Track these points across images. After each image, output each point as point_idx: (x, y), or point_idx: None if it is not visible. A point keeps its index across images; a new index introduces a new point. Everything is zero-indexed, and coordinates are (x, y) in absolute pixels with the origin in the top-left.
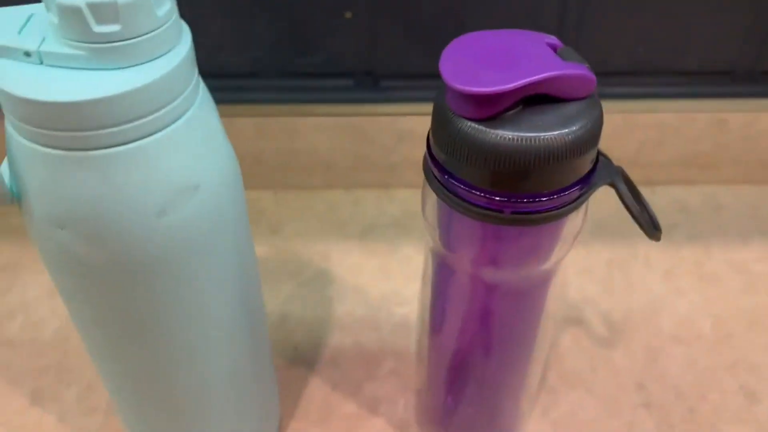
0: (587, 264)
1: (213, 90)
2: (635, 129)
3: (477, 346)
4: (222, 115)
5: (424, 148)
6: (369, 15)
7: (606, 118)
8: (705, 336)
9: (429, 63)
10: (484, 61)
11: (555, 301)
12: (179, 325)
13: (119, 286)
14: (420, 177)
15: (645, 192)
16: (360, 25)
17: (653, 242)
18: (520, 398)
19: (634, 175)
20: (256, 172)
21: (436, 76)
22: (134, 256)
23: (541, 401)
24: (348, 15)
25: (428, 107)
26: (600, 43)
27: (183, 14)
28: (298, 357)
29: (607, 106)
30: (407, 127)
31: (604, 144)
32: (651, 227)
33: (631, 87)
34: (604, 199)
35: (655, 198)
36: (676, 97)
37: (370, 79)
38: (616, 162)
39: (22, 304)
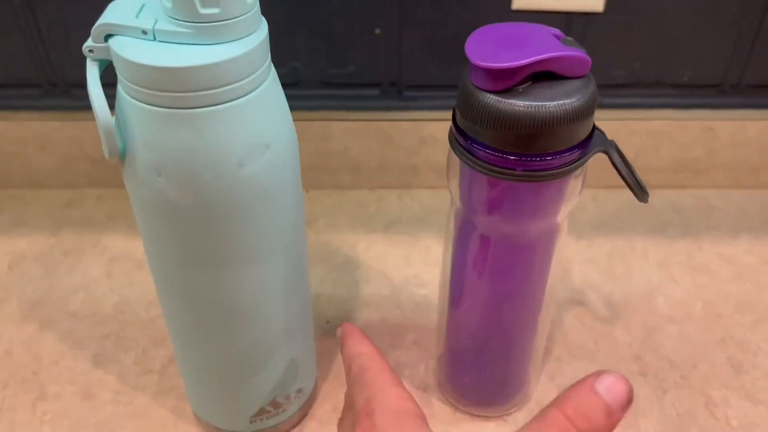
0: (590, 255)
1: None
2: (632, 135)
3: (491, 311)
4: None
5: (443, 150)
6: (396, 32)
7: (606, 125)
8: (696, 316)
9: (448, 75)
10: (501, 44)
11: (556, 270)
12: (250, 265)
13: (200, 226)
14: (440, 178)
15: None
16: (387, 41)
17: (649, 237)
18: (528, 364)
19: None
20: None
21: (454, 87)
22: (217, 200)
23: (547, 369)
24: (377, 32)
25: (448, 114)
26: (600, 59)
27: None
28: (331, 329)
29: (607, 114)
30: (428, 132)
31: None
32: (640, 189)
33: (628, 98)
34: (605, 200)
35: (652, 199)
36: (669, 107)
37: (395, 89)
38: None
39: (84, 283)
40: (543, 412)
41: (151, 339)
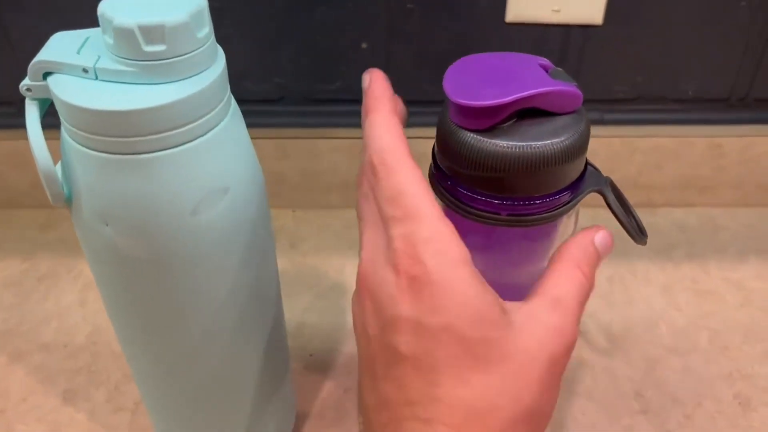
0: None
1: None
2: (635, 152)
3: None
4: None
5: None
6: (384, 46)
7: (607, 141)
8: (701, 347)
9: (439, 90)
10: (483, 79)
11: None
12: (207, 315)
13: (153, 277)
14: None
15: (645, 213)
16: (375, 55)
17: (652, 260)
18: None
19: (634, 197)
20: (278, 191)
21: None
22: (170, 250)
23: None
24: (364, 46)
25: None
26: (601, 72)
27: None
28: (314, 363)
29: (608, 130)
30: (419, 150)
31: (606, 166)
32: (638, 232)
33: (630, 113)
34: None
35: (656, 219)
36: (673, 123)
37: None
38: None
39: (57, 312)
40: (564, 268)
41: (123, 373)
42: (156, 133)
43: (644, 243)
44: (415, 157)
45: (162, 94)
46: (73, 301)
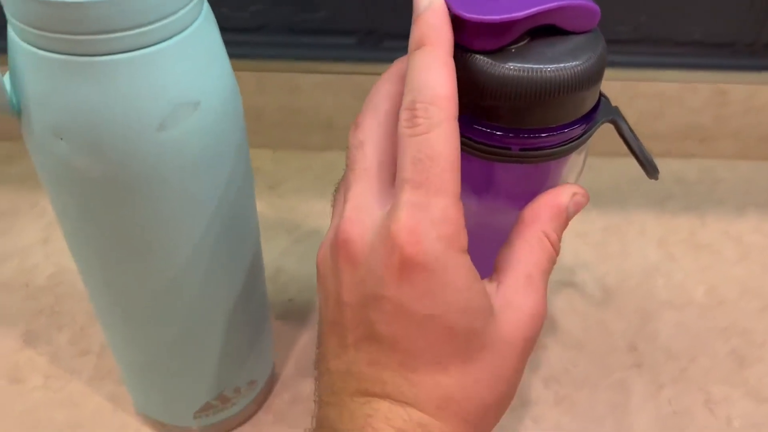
0: (582, 230)
1: None
2: (636, 98)
3: None
4: None
5: None
6: None
7: (606, 86)
8: (697, 301)
9: None
10: None
11: None
12: (174, 246)
13: (115, 202)
14: None
15: None
16: None
17: (648, 211)
18: None
19: None
20: (256, 129)
21: None
22: (132, 170)
23: (531, 358)
24: None
25: None
26: (602, 11)
27: None
28: (293, 309)
29: (608, 74)
30: None
31: None
32: (652, 165)
33: (632, 56)
34: (600, 168)
35: None
36: (677, 68)
37: (372, 39)
38: None
39: (17, 249)
40: (532, 236)
41: (89, 315)
42: (114, 31)
43: (656, 177)
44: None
45: None
46: (36, 239)
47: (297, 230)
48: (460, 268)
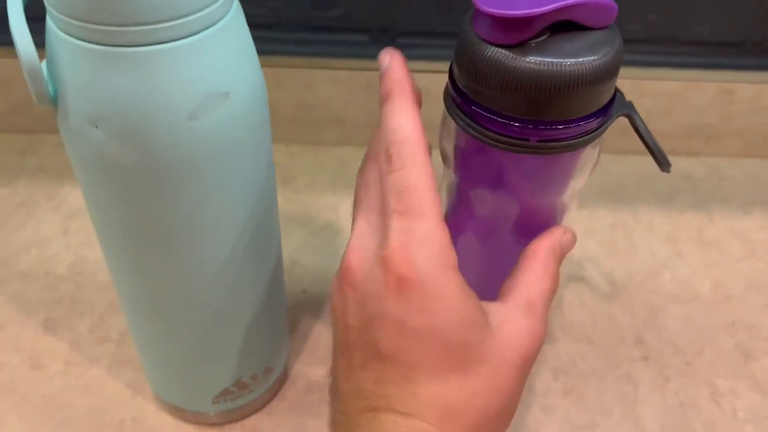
0: (591, 226)
1: None
2: (643, 96)
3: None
4: None
5: (439, 107)
6: None
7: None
8: (704, 296)
9: (446, 21)
10: None
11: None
12: (201, 233)
13: (146, 188)
14: (433, 137)
15: (650, 160)
16: None
17: (656, 208)
18: None
19: (640, 144)
20: (271, 123)
21: (453, 34)
22: (163, 158)
23: (541, 351)
24: None
25: (444, 65)
26: None
27: None
28: (307, 300)
29: None
30: (422, 85)
31: None
32: (665, 158)
33: (640, 54)
34: (608, 165)
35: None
36: (684, 67)
37: (386, 36)
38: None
39: (37, 240)
40: (536, 270)
41: (108, 304)
42: (152, 23)
43: (669, 170)
44: (419, 92)
45: None
46: (55, 231)
47: (311, 224)
48: (452, 283)
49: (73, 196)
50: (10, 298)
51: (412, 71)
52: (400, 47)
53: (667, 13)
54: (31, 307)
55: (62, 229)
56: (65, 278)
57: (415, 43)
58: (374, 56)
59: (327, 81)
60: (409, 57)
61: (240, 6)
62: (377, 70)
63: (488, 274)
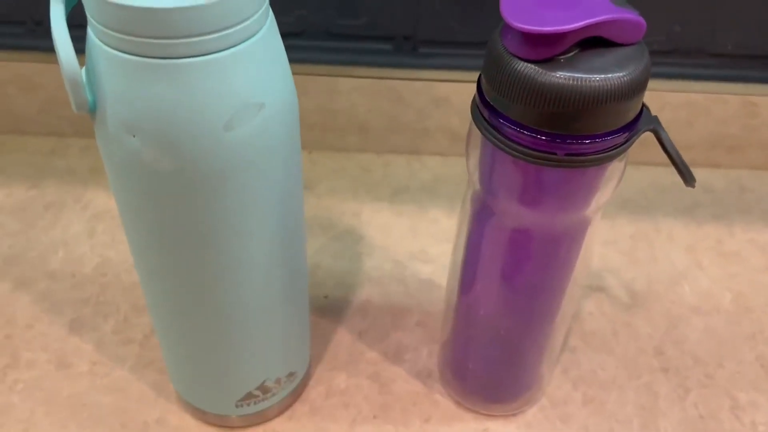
0: (611, 236)
1: None
2: (665, 108)
3: (506, 301)
4: None
5: (460, 116)
6: None
7: None
8: (724, 308)
9: (468, 32)
10: (544, 2)
11: (583, 262)
12: (231, 239)
13: (180, 196)
14: (452, 145)
15: (670, 172)
16: None
17: (676, 219)
18: (542, 359)
19: (661, 155)
20: None
21: (475, 44)
22: (199, 167)
23: (562, 360)
24: None
25: (465, 75)
26: None
27: None
28: (329, 305)
29: None
30: (443, 93)
31: None
32: (689, 173)
33: (664, 66)
34: (629, 177)
35: (681, 179)
36: (708, 79)
37: (409, 44)
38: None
39: (64, 241)
40: None
41: (132, 305)
42: (190, 36)
43: (693, 185)
44: (438, 101)
45: None
46: (81, 232)
47: (333, 229)
48: None
49: (99, 199)
50: (39, 298)
51: (432, 80)
52: (422, 56)
53: (692, 26)
54: (58, 307)
55: (88, 230)
56: (91, 279)
57: (437, 52)
58: (397, 65)
59: (350, 88)
60: (431, 66)
61: (274, 20)
62: (400, 78)
63: (509, 288)
